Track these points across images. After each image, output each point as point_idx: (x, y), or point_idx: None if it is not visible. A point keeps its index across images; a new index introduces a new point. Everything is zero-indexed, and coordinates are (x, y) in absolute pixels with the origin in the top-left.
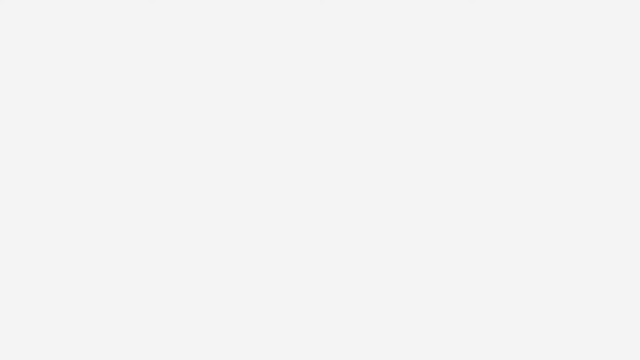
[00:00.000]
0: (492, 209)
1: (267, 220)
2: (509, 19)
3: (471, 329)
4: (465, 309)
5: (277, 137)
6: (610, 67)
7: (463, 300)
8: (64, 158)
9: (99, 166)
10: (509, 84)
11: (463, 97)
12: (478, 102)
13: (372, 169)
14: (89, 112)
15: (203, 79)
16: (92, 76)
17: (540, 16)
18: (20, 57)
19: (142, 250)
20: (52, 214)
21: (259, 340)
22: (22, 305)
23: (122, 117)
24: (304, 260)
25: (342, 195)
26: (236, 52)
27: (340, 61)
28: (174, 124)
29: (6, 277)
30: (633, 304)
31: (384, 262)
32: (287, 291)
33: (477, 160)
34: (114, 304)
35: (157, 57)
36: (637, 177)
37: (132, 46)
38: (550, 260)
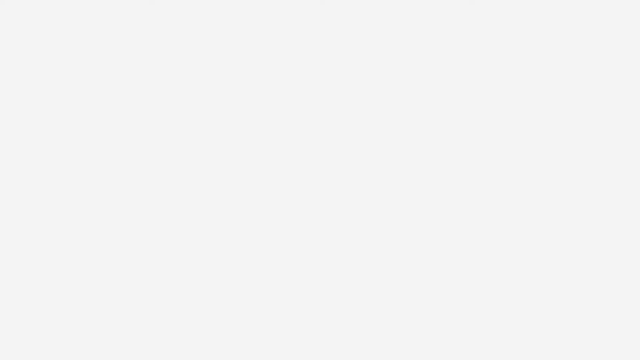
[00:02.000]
0: (492, 209)
1: (266, 219)
2: (509, 19)
3: (471, 328)
4: (464, 308)
5: (277, 136)
6: (610, 67)
7: (463, 300)
8: (64, 158)
9: (99, 166)
10: (509, 84)
11: (463, 97)
12: (478, 101)
13: (372, 168)
14: (89, 112)
15: (203, 79)
16: (92, 76)
17: (540, 16)
18: (21, 57)
19: (142, 249)
20: (52, 213)
21: (259, 340)
22: (22, 305)
23: (122, 117)
24: (303, 260)
25: (341, 194)
26: (236, 52)
27: (340, 61)
28: (174, 124)
29: (6, 277)
30: (633, 304)
31: (383, 262)
32: (287, 291)
33: (477, 160)
34: (113, 303)
35: (157, 57)
36: (637, 177)
37: (132, 46)
38: (550, 260)
